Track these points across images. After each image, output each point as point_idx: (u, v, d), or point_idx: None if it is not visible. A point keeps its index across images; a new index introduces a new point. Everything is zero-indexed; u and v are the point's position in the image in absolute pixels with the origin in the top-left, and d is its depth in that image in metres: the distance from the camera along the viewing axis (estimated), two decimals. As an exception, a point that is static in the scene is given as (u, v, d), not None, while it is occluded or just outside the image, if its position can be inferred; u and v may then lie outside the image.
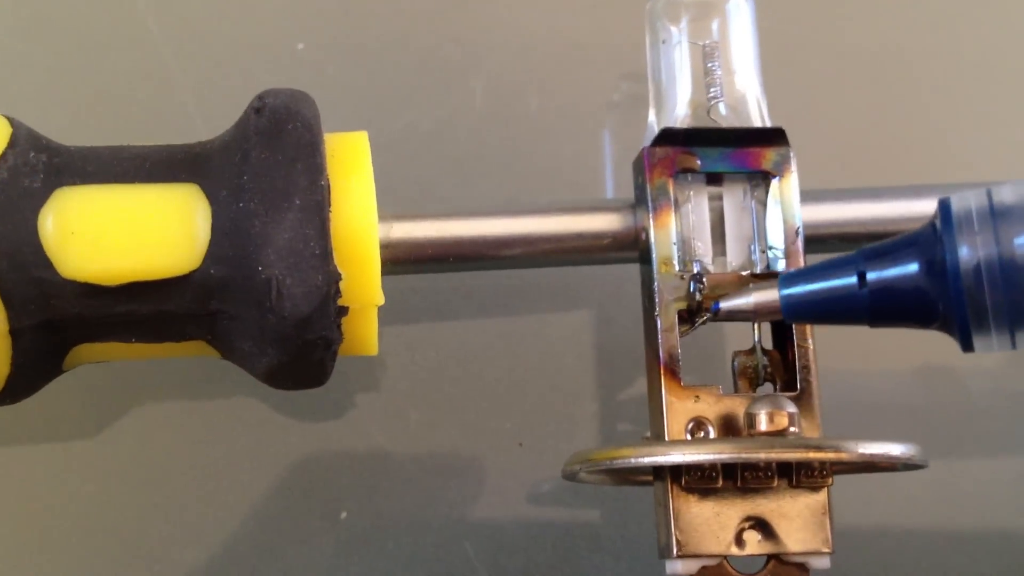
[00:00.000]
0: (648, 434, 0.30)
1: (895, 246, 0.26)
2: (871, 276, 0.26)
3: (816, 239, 0.31)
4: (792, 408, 0.28)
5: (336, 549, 0.34)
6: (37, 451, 0.34)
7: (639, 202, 0.31)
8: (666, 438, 0.29)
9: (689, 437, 0.29)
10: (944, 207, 0.26)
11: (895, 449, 0.27)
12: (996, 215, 0.25)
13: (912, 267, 0.25)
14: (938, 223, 0.26)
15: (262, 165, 0.28)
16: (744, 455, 0.26)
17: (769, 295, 0.27)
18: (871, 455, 0.26)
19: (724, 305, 0.28)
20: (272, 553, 0.34)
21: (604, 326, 0.36)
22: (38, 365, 0.29)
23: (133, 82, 0.37)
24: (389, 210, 0.30)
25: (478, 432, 0.35)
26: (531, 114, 0.38)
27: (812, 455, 0.26)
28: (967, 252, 0.25)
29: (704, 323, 0.30)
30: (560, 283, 0.36)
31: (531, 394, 0.36)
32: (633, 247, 0.31)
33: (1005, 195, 0.25)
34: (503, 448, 0.35)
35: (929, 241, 0.25)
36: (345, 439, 0.35)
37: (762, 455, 0.26)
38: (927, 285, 0.25)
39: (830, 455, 0.26)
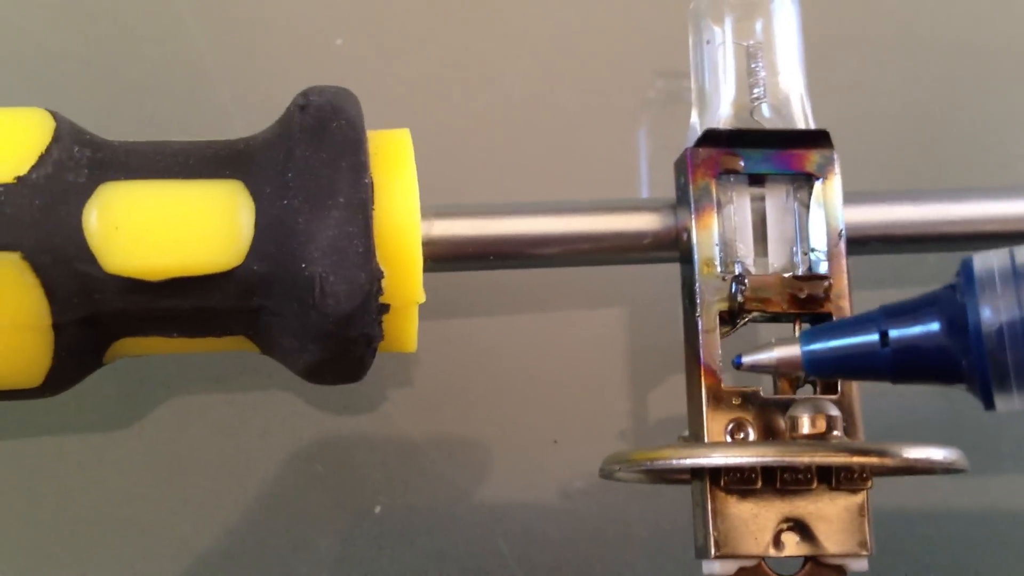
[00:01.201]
0: (685, 433, 0.30)
1: (917, 305, 0.26)
2: (893, 335, 0.26)
3: (859, 241, 0.31)
4: (834, 411, 0.28)
5: (368, 543, 0.34)
6: (69, 442, 0.34)
7: (680, 202, 0.31)
8: (706, 439, 0.29)
9: (729, 438, 0.29)
10: (966, 266, 0.26)
11: (937, 454, 0.27)
12: (1019, 276, 0.25)
13: (934, 326, 0.26)
14: (960, 282, 0.26)
15: (306, 162, 0.28)
16: (787, 459, 0.26)
17: (791, 351, 0.27)
18: (914, 460, 0.26)
19: (746, 360, 0.28)
20: (305, 546, 0.34)
21: (638, 324, 0.36)
22: (79, 359, 0.29)
23: (170, 77, 0.37)
24: (430, 207, 0.30)
25: (512, 428, 0.35)
26: (567, 111, 0.38)
27: (855, 459, 0.26)
28: (989, 313, 0.25)
29: (745, 324, 0.30)
30: (595, 281, 0.36)
31: (565, 391, 0.36)
32: (673, 247, 0.31)
33: None
34: (537, 444, 0.35)
35: (951, 301, 0.26)
36: (378, 433, 0.35)
37: (805, 459, 0.26)
38: (950, 345, 0.25)
39: (873, 460, 0.26)
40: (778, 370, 0.28)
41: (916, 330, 0.26)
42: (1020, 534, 0.36)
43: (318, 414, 0.35)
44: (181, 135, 0.36)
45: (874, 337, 0.26)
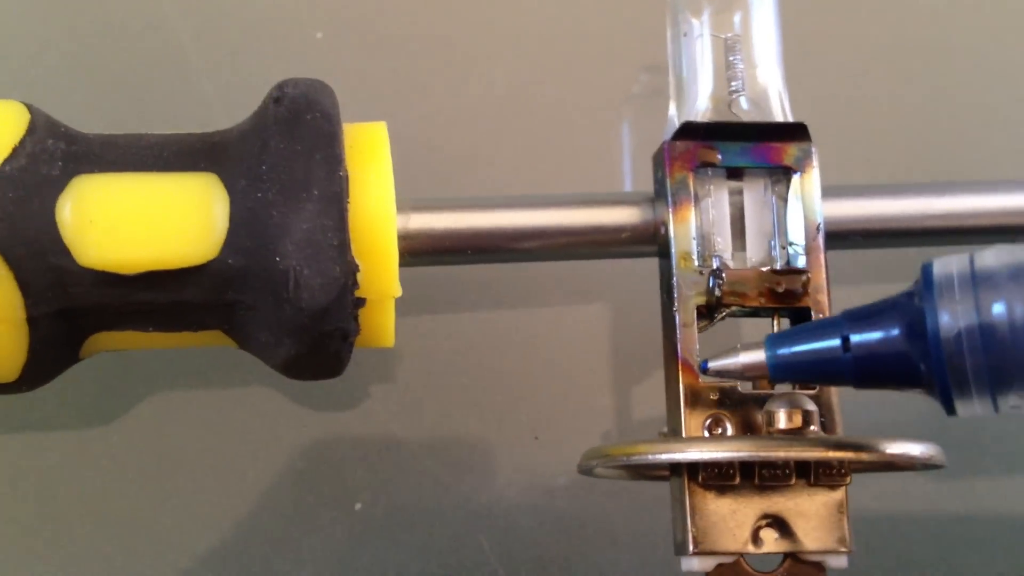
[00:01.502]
0: (665, 429, 0.30)
1: (878, 310, 0.26)
2: (855, 340, 0.26)
3: (837, 235, 0.31)
4: (811, 406, 0.28)
5: (350, 540, 0.34)
6: (50, 438, 0.34)
7: (658, 196, 0.31)
8: (683, 434, 0.29)
9: (707, 434, 0.29)
10: (926, 272, 0.26)
11: (915, 449, 0.27)
12: (977, 281, 0.25)
13: (894, 332, 0.25)
14: (919, 288, 0.26)
15: (281, 155, 0.28)
16: (763, 453, 0.26)
17: (756, 356, 0.27)
18: (891, 455, 0.26)
19: (713, 365, 0.28)
20: (285, 543, 0.34)
21: (620, 319, 0.36)
22: (55, 353, 0.29)
23: (152, 68, 0.37)
24: (407, 200, 0.30)
25: (493, 424, 0.35)
26: (550, 105, 0.37)
27: (832, 454, 0.26)
28: (947, 319, 0.25)
29: (723, 318, 0.30)
30: (576, 275, 0.36)
31: (547, 386, 0.36)
32: (652, 241, 0.31)
33: (987, 260, 0.25)
34: (518, 440, 0.35)
35: (911, 306, 0.25)
36: (360, 430, 0.35)
37: (781, 454, 0.26)
38: (909, 350, 0.25)
39: (850, 454, 0.26)
40: (744, 375, 0.28)
41: (876, 336, 0.26)
42: (1002, 531, 0.35)
43: (300, 410, 0.35)
44: (164, 127, 0.36)
45: (836, 343, 0.26)
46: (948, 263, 0.26)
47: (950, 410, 0.25)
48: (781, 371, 0.27)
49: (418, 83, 0.37)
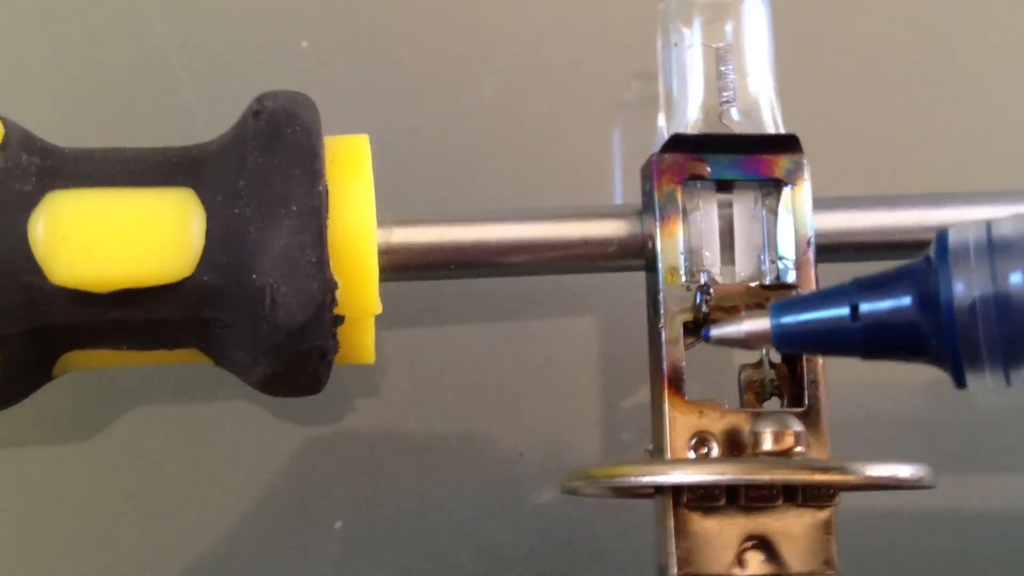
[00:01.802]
0: (651, 446, 0.29)
1: (889, 278, 0.25)
2: (864, 309, 0.25)
3: (829, 248, 0.30)
4: (798, 426, 0.27)
5: (331, 558, 0.34)
6: (28, 455, 0.34)
7: (646, 209, 0.30)
8: (667, 453, 0.28)
9: (692, 453, 0.28)
10: (941, 239, 0.25)
11: (903, 471, 0.26)
12: (994, 249, 0.24)
13: (906, 301, 0.25)
14: (933, 256, 0.25)
15: (259, 170, 0.27)
16: (748, 477, 0.26)
17: (760, 324, 0.26)
18: (877, 477, 0.26)
19: (715, 332, 0.27)
20: (266, 562, 0.33)
21: (608, 332, 0.36)
22: (27, 372, 0.28)
23: (135, 78, 0.36)
24: (389, 214, 0.30)
25: (478, 440, 0.35)
26: (540, 114, 0.37)
27: (817, 477, 0.26)
28: (962, 288, 0.24)
29: (709, 337, 0.29)
30: (564, 286, 0.35)
31: (533, 401, 0.35)
32: (639, 255, 0.30)
33: (1005, 228, 0.24)
34: (503, 457, 0.35)
35: (924, 274, 0.25)
36: (342, 445, 0.34)
37: (766, 477, 0.26)
38: (921, 320, 0.24)
39: (836, 477, 0.26)
40: (747, 343, 0.27)
41: (887, 305, 0.25)
42: (999, 548, 0.35)
43: (281, 426, 0.34)
44: (147, 138, 0.35)
45: (845, 311, 0.25)
46: (964, 230, 0.25)
47: (960, 383, 0.25)
48: (786, 340, 0.26)
49: (405, 92, 0.36)
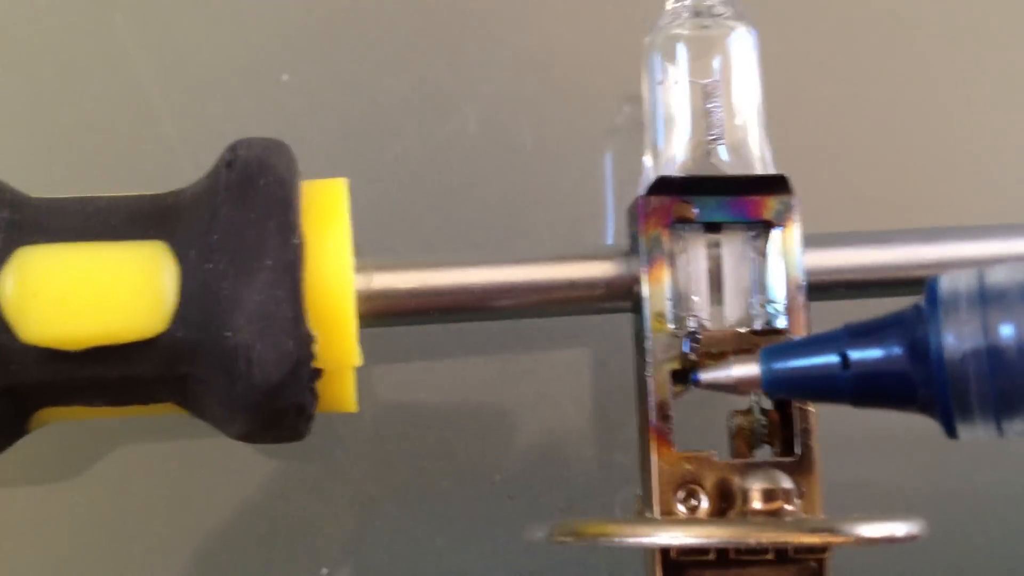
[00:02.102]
0: (640, 491, 0.29)
1: (880, 326, 0.25)
2: (854, 357, 0.24)
3: (821, 287, 0.30)
4: (787, 483, 0.26)
5: (322, 600, 0.33)
6: (8, 496, 0.33)
7: (633, 252, 0.29)
8: (655, 505, 0.27)
9: (680, 506, 0.27)
10: (931, 288, 0.24)
11: (899, 529, 0.25)
12: (987, 300, 0.23)
13: (896, 351, 0.24)
14: (924, 304, 0.24)
15: (232, 223, 0.27)
16: (735, 540, 0.25)
17: (750, 370, 0.26)
18: (870, 539, 0.25)
19: (704, 377, 0.27)
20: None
21: (600, 366, 0.35)
22: (1, 430, 0.28)
23: (113, 111, 0.35)
24: (370, 260, 0.29)
25: (468, 479, 0.34)
26: (528, 142, 0.36)
27: (806, 540, 0.25)
28: (952, 340, 0.23)
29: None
30: (555, 324, 0.34)
31: (524, 437, 0.34)
32: (627, 297, 0.30)
33: (997, 277, 0.24)
34: (494, 495, 0.34)
35: (915, 323, 0.24)
36: (329, 486, 0.34)
37: (753, 540, 0.25)
38: (911, 370, 0.24)
39: (826, 539, 0.25)
40: (736, 389, 0.26)
41: (878, 354, 0.24)
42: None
43: (268, 465, 0.34)
44: (126, 171, 0.35)
45: (835, 359, 0.25)
46: (956, 279, 0.24)
47: (952, 434, 0.24)
48: (776, 386, 0.26)
49: (387, 123, 0.35)
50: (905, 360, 0.24)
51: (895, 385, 0.24)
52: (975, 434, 0.24)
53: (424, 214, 0.35)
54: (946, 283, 0.24)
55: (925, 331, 0.24)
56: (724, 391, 0.27)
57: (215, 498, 0.33)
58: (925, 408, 0.24)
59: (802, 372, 0.25)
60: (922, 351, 0.24)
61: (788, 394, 0.27)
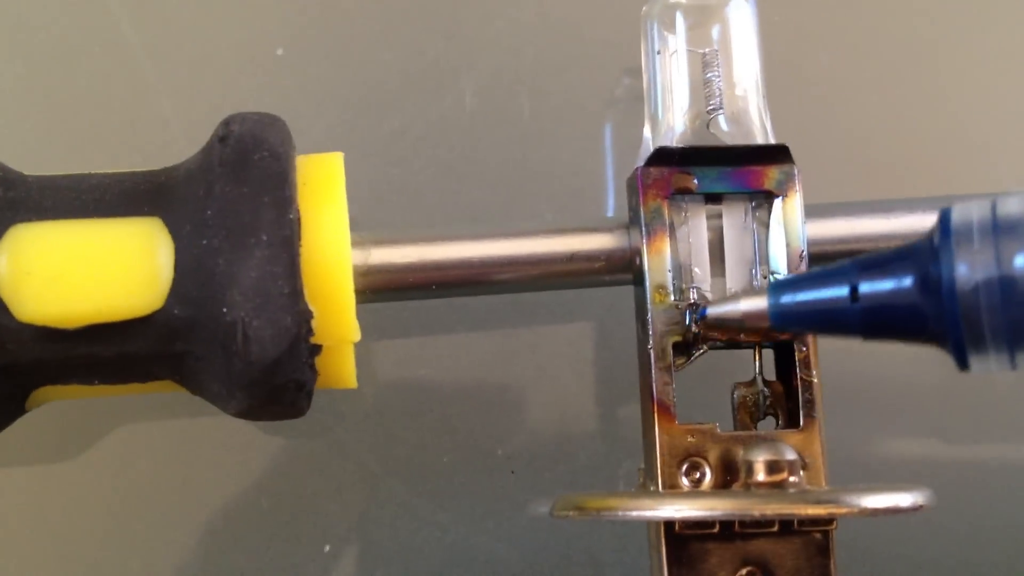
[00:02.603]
0: (643, 465, 0.29)
1: (890, 258, 0.24)
2: (863, 290, 0.24)
3: (823, 256, 0.29)
4: (791, 455, 0.26)
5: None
6: (11, 476, 0.33)
7: (633, 224, 0.29)
8: (658, 479, 0.27)
9: (684, 479, 0.27)
10: (944, 218, 0.24)
11: (903, 500, 0.25)
12: (999, 229, 0.23)
13: (907, 282, 0.24)
14: (936, 235, 0.24)
15: (227, 199, 0.26)
16: (739, 512, 0.25)
17: (758, 303, 0.25)
18: (875, 509, 0.25)
19: (711, 312, 0.26)
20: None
21: (603, 339, 0.35)
22: (-2, 409, 0.27)
23: (109, 88, 0.35)
24: (367, 235, 0.29)
25: (471, 454, 0.34)
26: (526, 115, 0.36)
27: (811, 511, 0.25)
28: (964, 270, 0.23)
29: (703, 355, 0.28)
30: (557, 297, 0.34)
31: (526, 412, 0.34)
32: (628, 269, 0.29)
33: (1011, 207, 0.23)
34: (496, 470, 0.34)
35: (926, 255, 0.23)
36: (331, 462, 0.34)
37: (756, 512, 0.25)
38: (922, 302, 0.23)
39: (830, 510, 0.25)
40: (744, 323, 0.26)
41: (887, 285, 0.24)
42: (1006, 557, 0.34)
43: (270, 442, 0.34)
44: (122, 147, 0.35)
45: (844, 291, 0.24)
46: (968, 209, 0.24)
47: (963, 366, 0.24)
48: (783, 320, 0.25)
49: (385, 96, 0.35)
50: (916, 292, 0.23)
51: (905, 317, 0.24)
52: (988, 367, 0.23)
53: (422, 189, 0.35)
54: (958, 214, 0.24)
55: (937, 262, 0.23)
56: (731, 326, 0.26)
57: (217, 476, 0.33)
58: (936, 340, 0.24)
59: (810, 306, 0.25)
60: (934, 282, 0.23)
61: (796, 328, 0.26)
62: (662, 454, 0.27)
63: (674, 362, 0.28)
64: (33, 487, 0.33)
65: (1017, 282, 0.22)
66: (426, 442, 0.34)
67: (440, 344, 0.34)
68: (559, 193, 0.35)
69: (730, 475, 0.27)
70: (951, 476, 0.34)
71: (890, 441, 0.34)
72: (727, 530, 0.27)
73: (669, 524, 0.27)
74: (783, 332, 0.27)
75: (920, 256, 0.24)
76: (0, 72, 0.35)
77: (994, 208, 0.23)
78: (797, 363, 0.28)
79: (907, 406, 0.35)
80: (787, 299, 0.25)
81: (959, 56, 0.37)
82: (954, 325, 0.23)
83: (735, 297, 0.26)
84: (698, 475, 0.27)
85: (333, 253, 0.27)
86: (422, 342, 0.34)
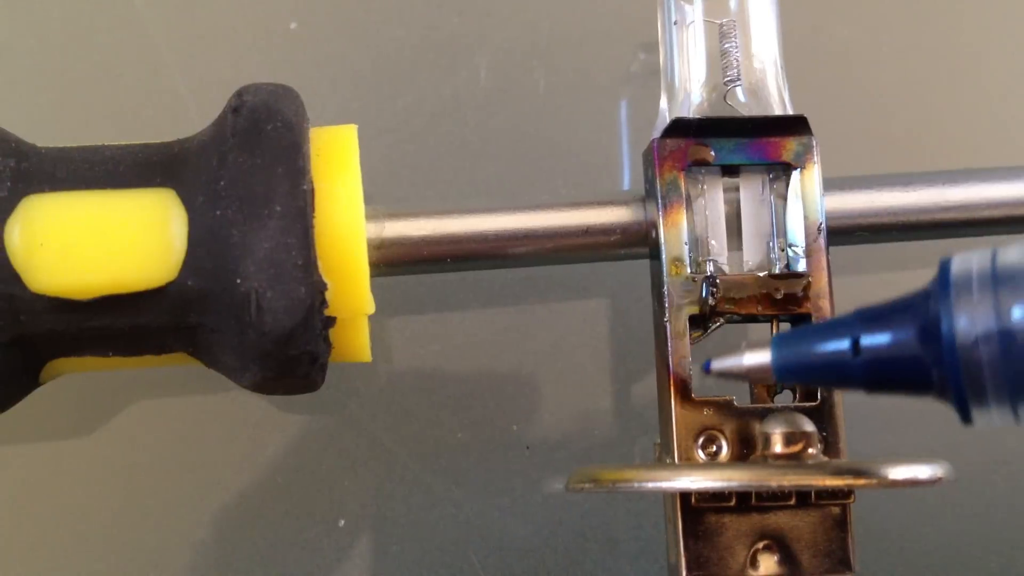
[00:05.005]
0: (659, 439, 0.28)
1: (891, 310, 0.24)
2: (865, 342, 0.24)
3: (841, 231, 0.29)
4: (809, 427, 0.26)
5: (337, 554, 0.33)
6: (24, 451, 0.33)
7: (649, 196, 0.29)
8: (674, 452, 0.27)
9: (700, 452, 0.27)
10: (943, 269, 0.23)
11: (922, 472, 0.25)
12: (999, 280, 0.22)
13: (907, 335, 0.23)
14: (936, 286, 0.23)
15: (240, 169, 0.26)
16: (756, 483, 0.25)
17: (761, 358, 0.25)
18: (893, 480, 0.24)
19: (715, 366, 0.26)
20: (268, 560, 0.33)
21: (618, 315, 0.34)
22: (12, 382, 0.27)
23: (121, 63, 0.35)
24: (381, 208, 0.29)
25: (485, 430, 0.34)
26: (541, 90, 0.35)
27: (829, 483, 0.24)
28: (964, 323, 0.22)
29: (719, 327, 0.28)
30: (571, 272, 0.34)
31: (541, 389, 0.34)
32: (644, 243, 0.29)
33: (1011, 257, 0.23)
34: (511, 446, 0.34)
35: (926, 306, 0.23)
36: (345, 438, 0.33)
37: (774, 483, 0.24)
38: (924, 355, 0.23)
39: (849, 482, 0.24)
40: (748, 377, 0.26)
41: (888, 339, 0.23)
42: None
43: (284, 418, 0.33)
44: (135, 121, 0.35)
45: (845, 345, 0.24)
46: (968, 260, 0.23)
47: (966, 419, 0.23)
48: (787, 374, 0.25)
49: (399, 72, 0.35)
50: (916, 344, 0.23)
51: (907, 370, 0.23)
52: (991, 420, 0.23)
53: (436, 163, 0.35)
54: (958, 264, 0.23)
55: (936, 314, 0.23)
56: (735, 379, 0.26)
57: (232, 452, 0.33)
58: (939, 393, 0.23)
59: (813, 360, 0.25)
60: (933, 335, 0.23)
61: (800, 381, 0.27)
62: (678, 427, 0.27)
63: (690, 335, 0.28)
64: (49, 462, 0.33)
65: (1016, 334, 0.22)
66: (440, 418, 0.34)
67: (454, 320, 0.34)
68: (574, 169, 0.35)
69: (747, 449, 0.27)
70: (971, 456, 0.34)
71: (904, 425, 0.34)
72: (744, 503, 0.27)
73: (685, 497, 0.27)
74: (787, 384, 0.27)
75: (920, 308, 0.23)
76: (14, 46, 0.35)
77: (994, 258, 0.23)
78: (815, 336, 0.28)
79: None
80: (790, 354, 0.25)
81: (980, 26, 0.36)
82: (955, 378, 0.23)
83: (739, 352, 0.26)
84: (714, 448, 0.27)
85: (347, 224, 0.27)
86: (436, 318, 0.34)
